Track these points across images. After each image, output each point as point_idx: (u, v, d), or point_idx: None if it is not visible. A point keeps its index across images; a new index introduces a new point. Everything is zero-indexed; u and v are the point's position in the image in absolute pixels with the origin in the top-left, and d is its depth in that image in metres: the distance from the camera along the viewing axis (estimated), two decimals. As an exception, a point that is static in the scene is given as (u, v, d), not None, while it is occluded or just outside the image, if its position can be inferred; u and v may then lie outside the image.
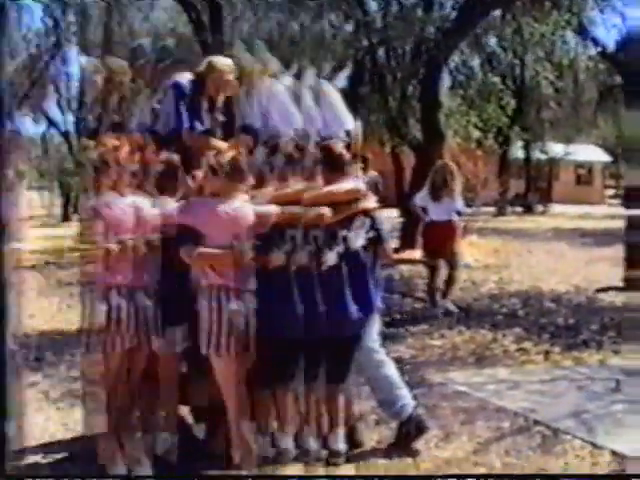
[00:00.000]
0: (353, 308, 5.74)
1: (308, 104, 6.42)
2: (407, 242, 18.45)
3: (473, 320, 11.47)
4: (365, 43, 17.88)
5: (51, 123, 40.59)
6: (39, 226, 31.72)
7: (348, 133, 6.42)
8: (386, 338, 10.19)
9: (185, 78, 6.38)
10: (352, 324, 5.81)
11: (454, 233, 12.15)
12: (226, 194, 5.42)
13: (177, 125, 6.15)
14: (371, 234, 5.88)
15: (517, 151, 35.14)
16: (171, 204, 5.58)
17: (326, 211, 5.63)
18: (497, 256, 18.14)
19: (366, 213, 5.91)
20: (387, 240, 6.11)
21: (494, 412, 7.07)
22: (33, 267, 18.44)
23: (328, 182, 5.84)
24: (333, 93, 6.56)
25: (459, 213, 12.23)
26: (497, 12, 16.97)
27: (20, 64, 32.17)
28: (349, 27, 18.58)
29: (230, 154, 5.50)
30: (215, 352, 5.36)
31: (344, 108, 6.55)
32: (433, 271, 12.32)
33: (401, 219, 19.44)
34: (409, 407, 6.17)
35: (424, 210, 12.25)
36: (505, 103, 18.92)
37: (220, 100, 6.44)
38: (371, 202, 6.00)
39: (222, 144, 6.03)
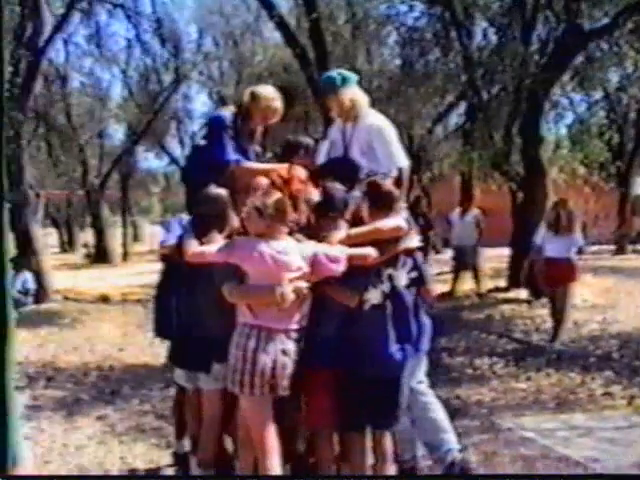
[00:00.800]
0: (395, 348, 5.59)
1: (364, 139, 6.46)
2: (514, 281, 18.11)
3: (565, 362, 11.17)
4: (465, 78, 17.78)
5: (172, 159, 41.46)
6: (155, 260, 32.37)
7: (400, 171, 6.39)
8: (472, 380, 10.31)
9: (228, 110, 6.43)
10: (394, 365, 5.64)
11: (572, 271, 12.30)
12: (271, 235, 5.37)
13: (223, 159, 6.15)
14: (413, 274, 5.76)
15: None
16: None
17: (371, 252, 5.53)
18: (607, 296, 17.54)
19: (408, 253, 5.80)
20: (429, 280, 5.94)
21: (554, 461, 6.83)
22: (139, 301, 18.82)
23: (374, 219, 5.74)
24: (389, 129, 6.50)
25: (580, 250, 12.31)
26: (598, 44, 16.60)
27: (140, 100, 33.11)
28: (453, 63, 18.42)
29: (276, 196, 5.41)
30: (240, 390, 5.32)
31: (398, 145, 6.51)
32: (554, 305, 12.59)
33: (510, 258, 19.08)
34: (454, 452, 6.01)
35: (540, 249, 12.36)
36: (608, 138, 18.44)
37: (260, 129, 6.53)
38: (414, 241, 5.88)
39: (278, 167, 5.94)
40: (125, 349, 13.00)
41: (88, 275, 28.09)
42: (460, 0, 17.59)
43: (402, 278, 5.68)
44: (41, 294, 18.22)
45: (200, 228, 5.80)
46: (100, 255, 34.64)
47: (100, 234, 34.93)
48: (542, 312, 14.65)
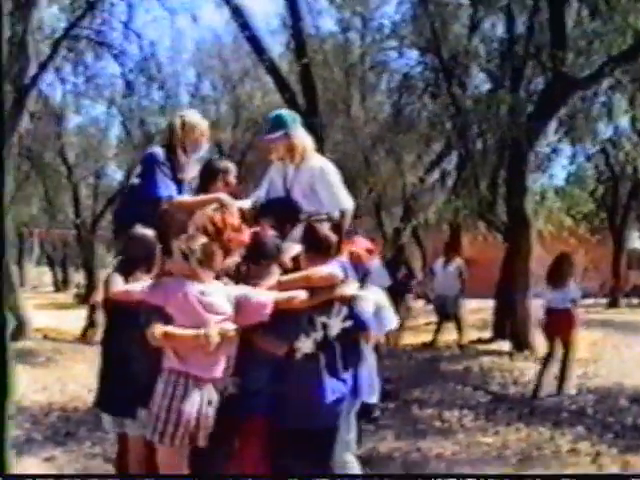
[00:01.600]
0: (329, 400, 5.41)
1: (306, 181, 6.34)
2: (499, 332, 17.94)
3: (537, 416, 10.93)
4: (450, 126, 17.73)
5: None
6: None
7: (343, 213, 6.28)
8: (437, 432, 10.06)
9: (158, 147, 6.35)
10: (327, 417, 5.48)
11: (572, 321, 12.37)
12: (197, 278, 5.25)
13: (155, 195, 6.05)
14: (348, 323, 5.56)
15: (635, 241, 34.35)
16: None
17: (301, 294, 5.39)
18: (592, 349, 17.29)
19: (344, 301, 5.60)
20: (368, 328, 5.73)
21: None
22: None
23: (310, 264, 5.62)
24: (332, 172, 6.39)
25: (574, 301, 12.40)
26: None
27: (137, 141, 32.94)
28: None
29: (201, 240, 5.32)
30: (159, 440, 5.14)
31: (342, 188, 6.39)
32: (546, 360, 12.54)
33: (494, 309, 18.87)
34: None
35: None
36: (593, 189, 18.34)
37: (192, 159, 6.40)
38: (349, 289, 5.65)
39: (209, 199, 5.97)
40: (94, 390, 12.77)
41: (75, 315, 27.80)
42: (448, 48, 17.53)
43: (335, 327, 5.51)
44: (17, 332, 17.55)
45: (126, 269, 5.68)
46: (90, 295, 34.29)
47: (91, 274, 34.66)
48: (522, 365, 14.48)
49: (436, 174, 25.88)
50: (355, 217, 6.33)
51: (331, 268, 5.56)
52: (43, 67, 18.40)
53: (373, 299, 5.90)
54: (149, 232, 5.76)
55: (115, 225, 6.44)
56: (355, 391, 5.64)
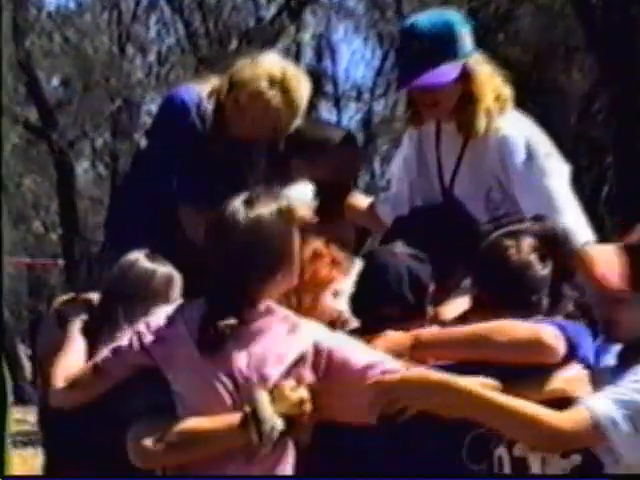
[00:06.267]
0: None
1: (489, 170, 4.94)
2: None
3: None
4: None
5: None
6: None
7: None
8: None
9: (195, 91, 5.41)
10: None
11: None
12: None
13: (168, 188, 5.27)
14: (576, 459, 3.97)
15: None
16: None
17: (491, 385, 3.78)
18: None
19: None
20: None
21: None
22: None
23: (484, 315, 4.12)
24: (548, 152, 4.84)
25: None
26: None
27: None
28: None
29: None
30: None
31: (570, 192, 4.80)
32: None
33: None
34: None
35: None
36: None
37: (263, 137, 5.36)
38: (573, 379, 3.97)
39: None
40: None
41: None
42: None
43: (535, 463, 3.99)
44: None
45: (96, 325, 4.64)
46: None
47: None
48: None
49: None
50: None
51: (536, 325, 4.01)
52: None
53: None
54: (159, 267, 4.67)
55: (103, 244, 5.84)
56: None
